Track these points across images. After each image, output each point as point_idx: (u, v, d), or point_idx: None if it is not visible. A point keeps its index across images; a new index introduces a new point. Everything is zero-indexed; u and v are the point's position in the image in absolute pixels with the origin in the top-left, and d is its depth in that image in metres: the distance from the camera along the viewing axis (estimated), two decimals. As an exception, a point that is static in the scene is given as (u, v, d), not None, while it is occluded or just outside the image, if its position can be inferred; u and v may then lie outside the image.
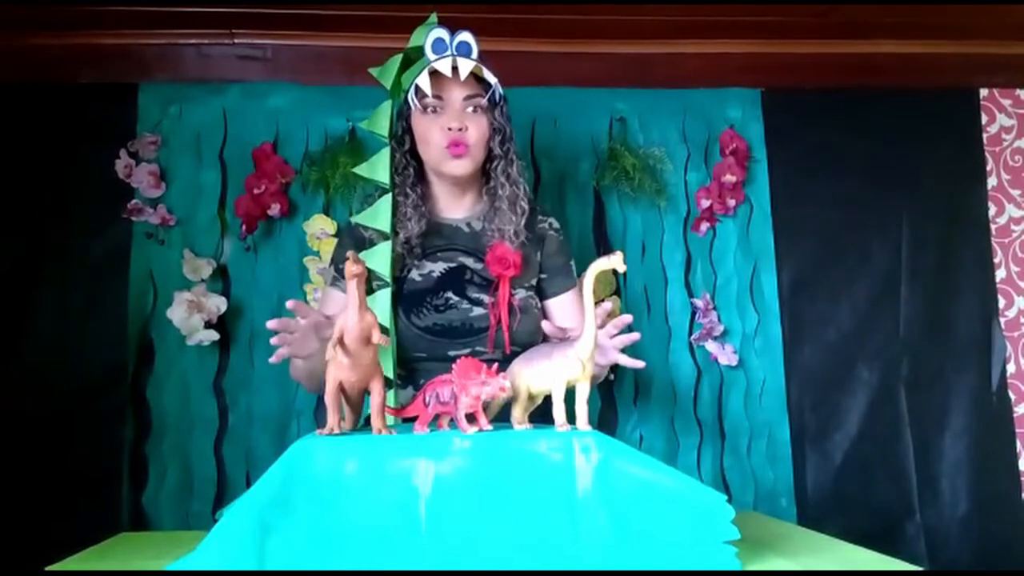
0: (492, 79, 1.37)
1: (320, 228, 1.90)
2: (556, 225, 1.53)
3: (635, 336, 1.26)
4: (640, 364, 1.26)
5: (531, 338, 1.40)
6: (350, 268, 0.98)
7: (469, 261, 1.43)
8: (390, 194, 1.41)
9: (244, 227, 1.91)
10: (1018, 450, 2.12)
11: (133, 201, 1.90)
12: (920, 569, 1.00)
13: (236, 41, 2.02)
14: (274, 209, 1.91)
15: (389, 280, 1.37)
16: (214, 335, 1.86)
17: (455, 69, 1.32)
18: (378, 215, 1.40)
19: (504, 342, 1.37)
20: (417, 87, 1.35)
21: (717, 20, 2.00)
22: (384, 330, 1.34)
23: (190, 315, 1.85)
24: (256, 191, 1.90)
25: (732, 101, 2.11)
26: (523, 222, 1.42)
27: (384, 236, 1.40)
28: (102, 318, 1.88)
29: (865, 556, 1.06)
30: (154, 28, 1.96)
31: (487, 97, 1.39)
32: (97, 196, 1.91)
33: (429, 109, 1.38)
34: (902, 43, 2.14)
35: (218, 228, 1.94)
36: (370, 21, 1.90)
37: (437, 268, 1.41)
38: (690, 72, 2.11)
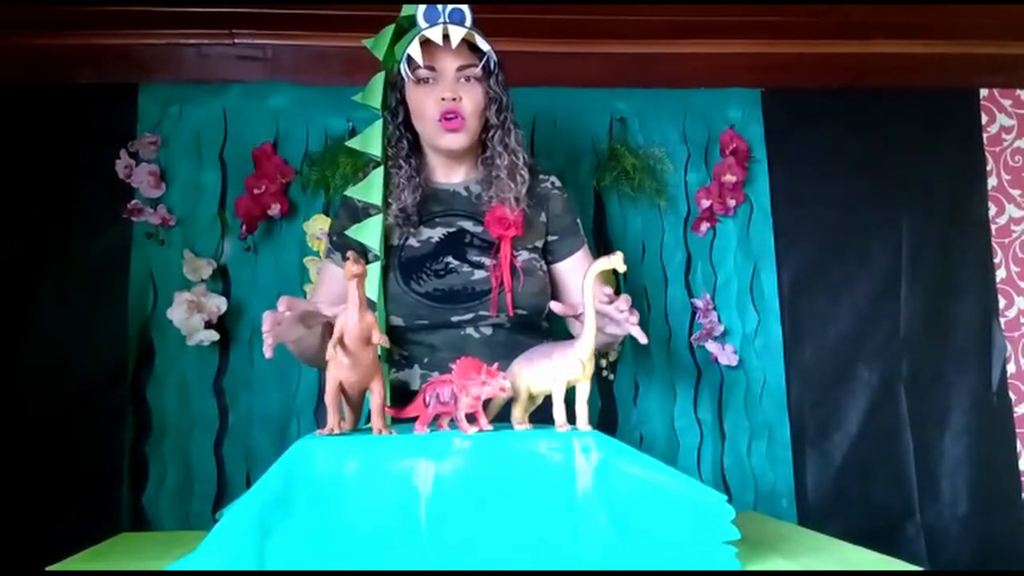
0: (486, 46, 1.34)
1: (320, 228, 1.90)
2: (559, 183, 1.50)
3: (635, 317, 1.22)
4: (645, 339, 1.19)
5: (536, 300, 1.38)
6: (350, 268, 0.98)
7: (468, 225, 1.40)
8: (382, 167, 1.40)
9: (244, 227, 1.91)
10: (1018, 450, 2.12)
11: (133, 201, 1.90)
12: (920, 569, 1.00)
13: (236, 41, 2.02)
14: (274, 209, 1.91)
15: (380, 254, 1.37)
16: (214, 335, 1.86)
17: (446, 37, 1.30)
18: (370, 188, 1.39)
19: (507, 305, 1.34)
20: (409, 57, 1.32)
21: (717, 20, 2.00)
22: (373, 305, 1.34)
23: (190, 315, 1.85)
24: (256, 191, 1.90)
25: (732, 101, 2.10)
26: (523, 190, 1.39)
27: (377, 209, 1.39)
28: (102, 318, 1.87)
29: (865, 556, 1.06)
30: (154, 28, 1.96)
31: (481, 66, 1.36)
32: (97, 196, 1.91)
33: (422, 80, 1.36)
34: (902, 43, 2.14)
35: (218, 228, 1.94)
36: (370, 21, 1.87)
37: (436, 234, 1.39)
38: (690, 72, 2.11)
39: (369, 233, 1.37)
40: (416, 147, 1.45)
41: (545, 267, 1.44)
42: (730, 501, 0.96)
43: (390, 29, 1.39)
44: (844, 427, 2.06)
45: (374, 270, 1.36)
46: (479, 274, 1.36)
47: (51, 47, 1.95)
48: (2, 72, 1.92)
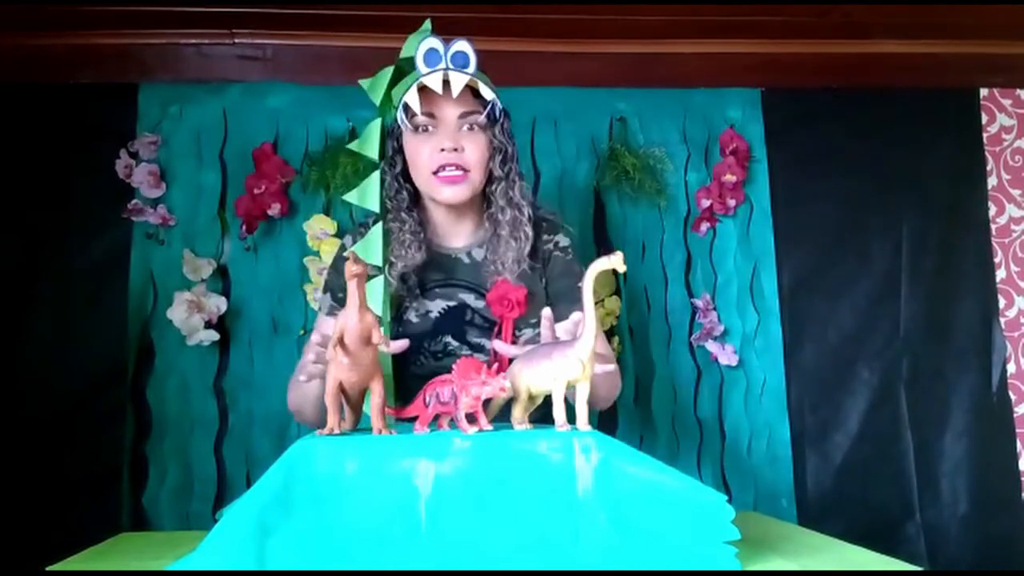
0: (490, 95, 1.23)
1: (320, 228, 1.90)
2: (563, 244, 1.38)
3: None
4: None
5: None
6: (350, 268, 0.98)
7: (470, 299, 1.33)
8: (381, 224, 1.29)
9: (244, 227, 1.91)
10: (1018, 450, 2.12)
11: (133, 201, 1.90)
12: (920, 569, 1.00)
13: (236, 41, 2.02)
14: (274, 209, 1.91)
15: (385, 320, 1.27)
16: (214, 335, 1.86)
17: (447, 83, 1.19)
18: (369, 247, 1.28)
19: None
20: (406, 105, 1.22)
21: (717, 20, 2.00)
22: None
23: (190, 315, 1.85)
24: (256, 191, 1.90)
25: (732, 101, 2.11)
26: (526, 250, 1.30)
27: (378, 270, 1.27)
28: (102, 318, 1.88)
29: (865, 556, 1.06)
30: (154, 28, 1.96)
31: (485, 113, 1.26)
32: (97, 196, 1.91)
33: (420, 128, 1.26)
34: (902, 43, 2.14)
35: (218, 228, 1.94)
36: (370, 21, 1.89)
37: (435, 308, 1.32)
38: (690, 72, 2.11)
39: (371, 296, 1.23)
40: (417, 199, 1.35)
41: None
42: (730, 501, 0.96)
43: (388, 71, 1.27)
44: (844, 427, 2.06)
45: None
46: (478, 358, 1.28)
47: (51, 47, 1.95)
48: (2, 72, 1.92)
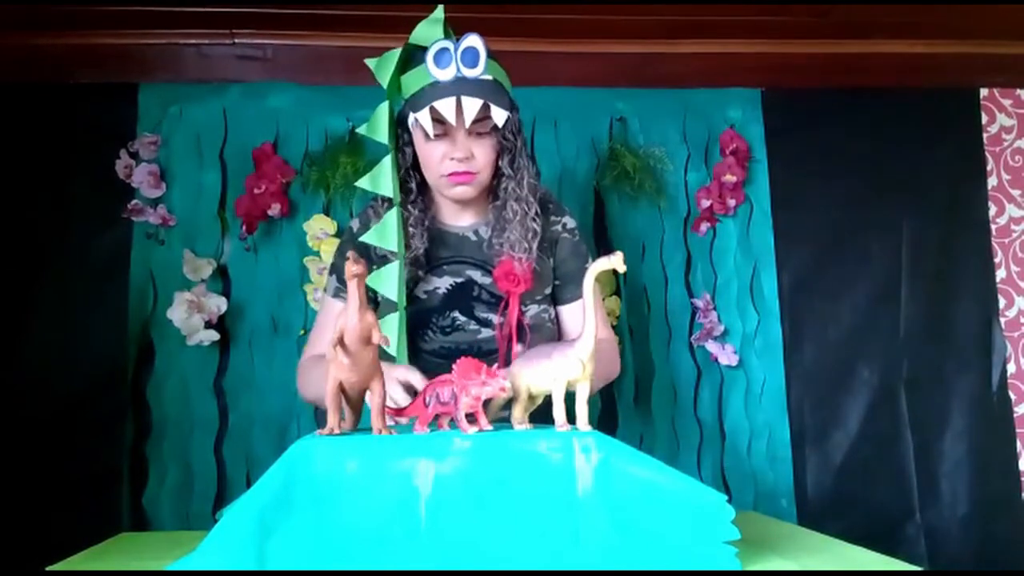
0: (500, 118, 1.23)
1: (320, 228, 1.90)
2: (571, 225, 1.43)
3: None
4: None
5: None
6: (350, 268, 0.98)
7: (476, 275, 1.35)
8: (395, 209, 1.30)
9: (244, 227, 1.91)
10: (1018, 450, 2.12)
11: (133, 201, 1.90)
12: (920, 569, 1.00)
13: (236, 41, 2.02)
14: (274, 209, 1.91)
15: (401, 305, 1.28)
16: (214, 335, 1.86)
17: (459, 93, 1.20)
18: (385, 233, 1.29)
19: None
20: (417, 120, 1.25)
21: (717, 20, 2.00)
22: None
23: (190, 315, 1.85)
24: (256, 191, 1.90)
25: (732, 101, 2.11)
26: (535, 243, 1.33)
27: (393, 255, 1.29)
28: (102, 318, 1.88)
29: (865, 556, 1.06)
30: (154, 28, 1.97)
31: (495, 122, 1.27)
32: (97, 196, 1.91)
33: (432, 136, 1.27)
34: (902, 43, 2.14)
35: (218, 228, 1.94)
36: (370, 21, 1.90)
37: (443, 284, 1.35)
38: (690, 72, 2.11)
39: (386, 282, 1.28)
40: (424, 186, 1.37)
41: (554, 316, 1.42)
42: (730, 501, 0.96)
43: (396, 53, 1.27)
44: (844, 427, 2.06)
45: (393, 323, 1.28)
46: (486, 332, 1.33)
47: (51, 47, 1.95)
48: (2, 72, 1.92)
